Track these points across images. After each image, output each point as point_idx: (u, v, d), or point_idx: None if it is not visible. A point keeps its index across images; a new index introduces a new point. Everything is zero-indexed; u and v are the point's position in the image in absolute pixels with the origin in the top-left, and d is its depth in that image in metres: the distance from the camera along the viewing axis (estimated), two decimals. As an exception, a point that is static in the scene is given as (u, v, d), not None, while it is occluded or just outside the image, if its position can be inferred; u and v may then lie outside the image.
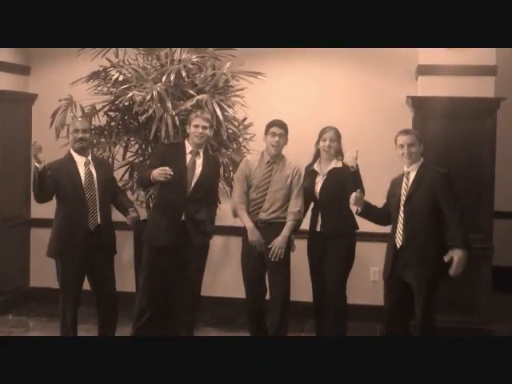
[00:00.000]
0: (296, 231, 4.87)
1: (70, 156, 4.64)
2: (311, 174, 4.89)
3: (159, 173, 4.55)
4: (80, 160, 4.61)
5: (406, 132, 4.41)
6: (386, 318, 4.43)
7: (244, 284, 4.92)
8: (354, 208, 4.54)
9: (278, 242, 4.74)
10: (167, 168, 4.54)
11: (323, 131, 4.82)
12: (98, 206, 4.57)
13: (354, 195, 4.40)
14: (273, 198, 4.80)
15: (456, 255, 4.04)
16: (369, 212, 4.49)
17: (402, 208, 4.29)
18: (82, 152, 4.62)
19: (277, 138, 4.76)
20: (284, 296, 4.81)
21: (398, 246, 4.29)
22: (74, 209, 4.54)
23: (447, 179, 4.25)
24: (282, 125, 4.81)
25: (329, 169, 4.80)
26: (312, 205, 4.92)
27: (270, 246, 4.74)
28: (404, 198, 4.28)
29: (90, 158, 4.65)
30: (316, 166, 4.87)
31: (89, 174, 4.59)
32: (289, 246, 4.81)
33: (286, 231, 4.76)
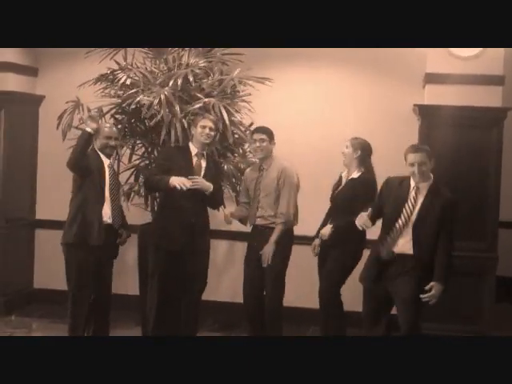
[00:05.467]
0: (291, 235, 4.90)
1: (96, 153, 4.71)
2: (339, 180, 4.95)
3: (183, 182, 4.54)
4: (105, 160, 4.72)
5: (415, 149, 4.24)
6: (365, 325, 4.41)
7: (243, 287, 4.96)
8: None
9: (266, 248, 4.80)
10: (197, 177, 4.63)
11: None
12: (117, 206, 4.74)
13: (360, 215, 4.33)
14: (263, 203, 4.85)
15: (434, 288, 4.13)
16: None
17: (403, 222, 4.21)
18: (107, 155, 4.75)
19: (258, 144, 4.83)
20: (276, 299, 4.84)
21: (390, 257, 4.26)
22: (95, 203, 4.60)
23: (454, 208, 4.21)
24: (263, 130, 4.87)
25: (349, 178, 4.84)
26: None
27: (260, 253, 4.80)
28: (407, 215, 4.20)
29: (111, 161, 4.79)
30: (344, 174, 4.93)
31: (113, 175, 4.74)
32: (282, 250, 4.81)
33: (273, 237, 4.81)
